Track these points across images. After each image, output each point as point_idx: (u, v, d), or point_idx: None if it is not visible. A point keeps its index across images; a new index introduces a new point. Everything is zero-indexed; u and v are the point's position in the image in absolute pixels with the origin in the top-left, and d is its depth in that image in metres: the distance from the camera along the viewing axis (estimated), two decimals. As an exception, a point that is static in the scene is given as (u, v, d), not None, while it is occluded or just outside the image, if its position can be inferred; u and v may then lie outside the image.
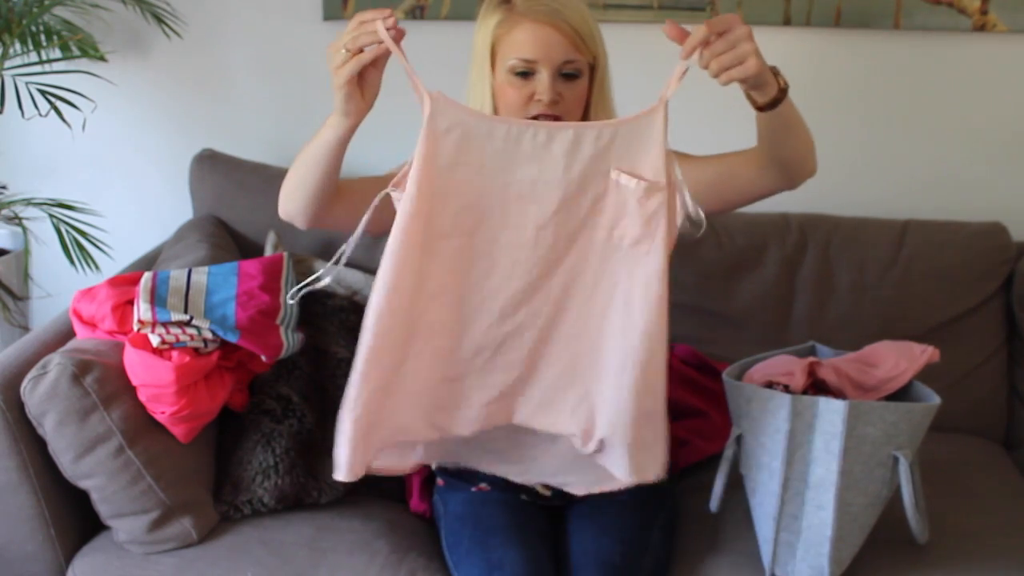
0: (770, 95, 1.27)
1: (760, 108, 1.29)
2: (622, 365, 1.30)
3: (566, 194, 1.27)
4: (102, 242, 2.17)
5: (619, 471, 1.37)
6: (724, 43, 1.18)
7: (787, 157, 1.37)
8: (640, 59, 2.12)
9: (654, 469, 1.37)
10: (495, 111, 1.46)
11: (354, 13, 2.20)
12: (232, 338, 1.59)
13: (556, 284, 1.32)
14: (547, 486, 1.59)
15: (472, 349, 1.34)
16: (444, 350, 1.34)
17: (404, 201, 1.25)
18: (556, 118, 1.43)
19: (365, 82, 1.26)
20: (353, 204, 1.45)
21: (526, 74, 1.41)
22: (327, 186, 1.39)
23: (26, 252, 2.29)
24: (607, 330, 1.32)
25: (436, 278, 1.30)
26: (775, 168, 1.39)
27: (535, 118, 1.42)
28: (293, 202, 1.42)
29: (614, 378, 1.32)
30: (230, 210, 2.15)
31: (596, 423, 1.36)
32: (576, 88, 1.44)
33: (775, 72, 1.28)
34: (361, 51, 1.22)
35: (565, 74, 1.42)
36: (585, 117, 1.48)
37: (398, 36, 1.21)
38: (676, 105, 2.03)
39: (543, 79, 1.41)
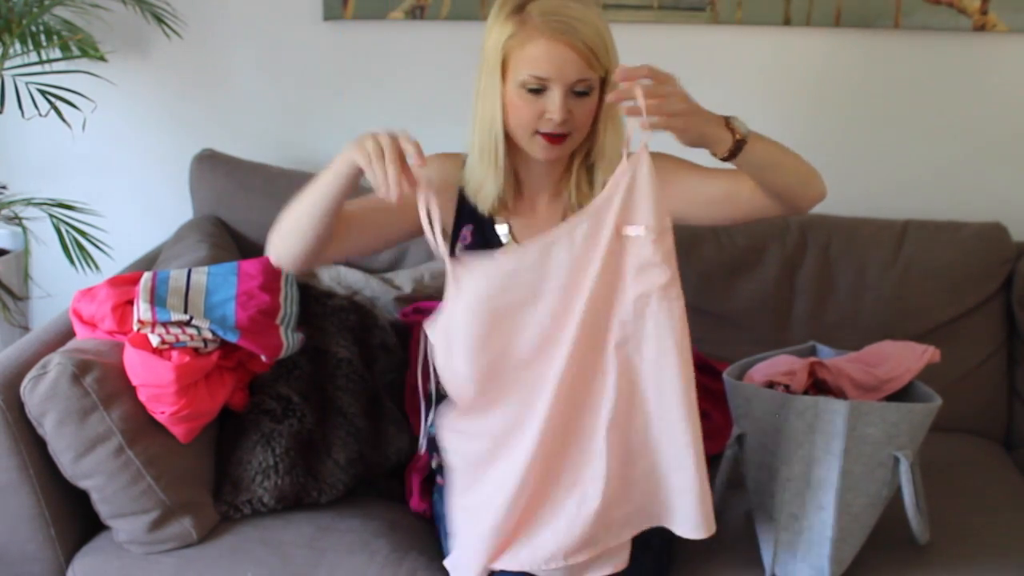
0: (725, 148, 1.30)
1: (722, 159, 1.32)
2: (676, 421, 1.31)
3: (602, 276, 1.28)
4: (102, 242, 2.17)
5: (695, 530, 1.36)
6: (661, 88, 1.23)
7: (777, 192, 1.38)
8: (640, 59, 2.12)
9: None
10: (505, 122, 1.45)
11: (354, 14, 2.22)
12: (232, 338, 1.59)
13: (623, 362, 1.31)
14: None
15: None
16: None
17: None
18: (564, 136, 1.43)
19: None
20: (345, 240, 1.46)
21: (537, 90, 1.41)
22: (325, 234, 1.40)
23: (26, 252, 2.29)
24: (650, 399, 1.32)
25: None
26: (772, 198, 1.40)
27: (544, 135, 1.42)
28: (287, 248, 1.42)
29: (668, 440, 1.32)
30: (230, 210, 2.15)
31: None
32: (586, 105, 1.43)
33: (730, 124, 1.30)
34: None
35: (576, 92, 1.41)
36: (594, 130, 1.48)
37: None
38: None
39: (555, 98, 1.39)
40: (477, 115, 1.48)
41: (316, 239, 1.40)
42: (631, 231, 1.27)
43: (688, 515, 1.35)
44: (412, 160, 1.27)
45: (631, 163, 1.26)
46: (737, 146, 1.30)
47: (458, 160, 1.57)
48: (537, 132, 1.43)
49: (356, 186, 1.33)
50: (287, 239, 1.41)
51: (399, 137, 1.28)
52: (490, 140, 1.46)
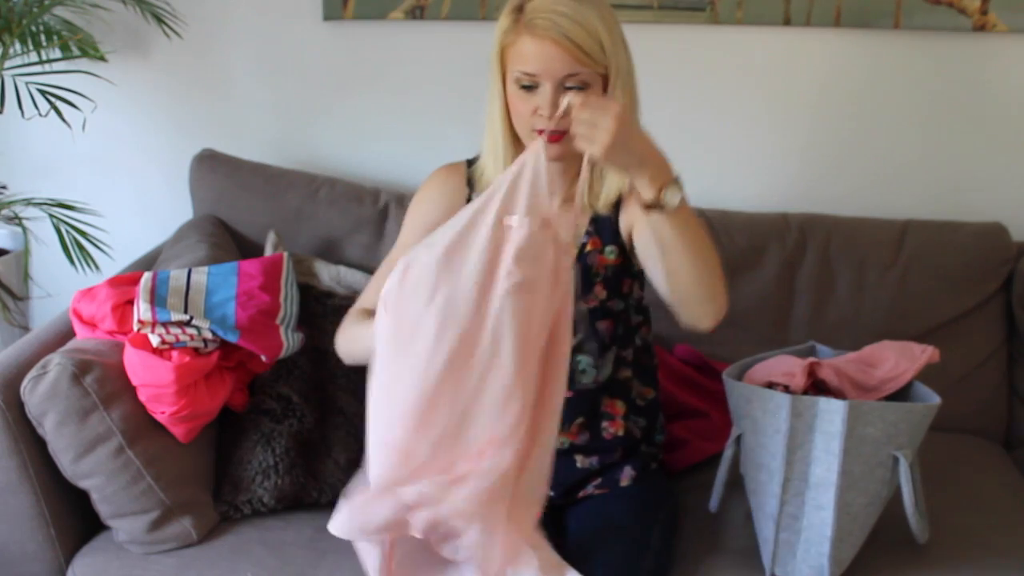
0: (644, 200, 1.27)
1: (641, 207, 1.30)
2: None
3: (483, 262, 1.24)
4: (102, 242, 2.17)
5: None
6: (588, 115, 1.23)
7: (674, 281, 1.35)
8: (639, 59, 2.12)
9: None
10: (508, 118, 1.46)
11: (354, 14, 2.22)
12: (232, 338, 1.59)
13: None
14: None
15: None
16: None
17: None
18: (561, 133, 1.42)
19: None
20: None
21: (530, 87, 1.41)
22: None
23: (26, 252, 2.28)
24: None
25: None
26: (670, 288, 1.37)
27: (541, 132, 1.42)
28: (352, 360, 1.48)
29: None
30: (230, 210, 2.15)
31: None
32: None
33: (679, 184, 1.28)
34: None
35: (570, 87, 1.40)
36: None
37: None
38: (675, 98, 2.03)
39: (545, 93, 1.39)
40: (487, 114, 1.49)
41: None
42: (510, 220, 1.23)
43: None
44: None
45: (527, 152, 1.26)
46: (655, 204, 1.27)
47: (459, 168, 1.59)
48: (535, 130, 1.43)
49: None
50: (354, 356, 1.46)
51: None
52: (494, 138, 1.49)
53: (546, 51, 1.38)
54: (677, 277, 1.34)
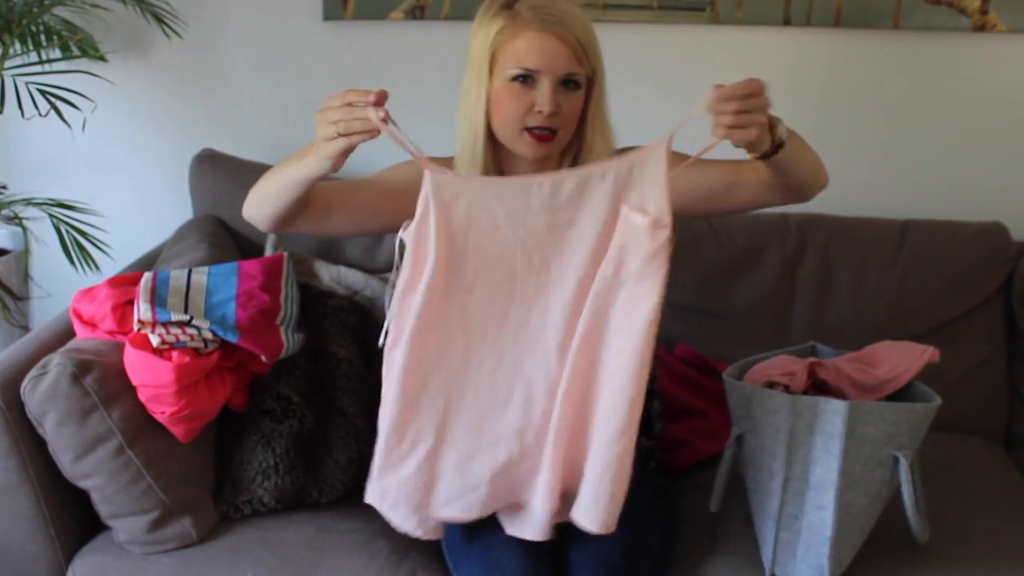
0: (762, 150, 1.30)
1: (756, 158, 1.33)
2: (609, 409, 1.32)
3: (582, 237, 1.30)
4: (102, 242, 2.17)
5: (586, 520, 1.37)
6: (741, 106, 1.23)
7: (793, 185, 1.39)
8: (640, 59, 2.12)
9: (612, 519, 1.36)
10: (488, 118, 1.45)
11: (354, 14, 2.22)
12: (232, 338, 1.59)
13: (579, 332, 1.32)
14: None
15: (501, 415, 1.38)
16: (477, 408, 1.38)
17: (425, 270, 1.30)
18: (552, 132, 1.43)
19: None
20: (321, 214, 1.47)
21: (526, 80, 1.41)
22: (295, 208, 1.43)
23: (26, 252, 2.29)
24: (603, 373, 1.34)
25: (465, 331, 1.35)
26: (782, 191, 1.41)
27: (531, 130, 1.42)
28: (258, 213, 1.47)
29: (602, 424, 1.34)
30: (230, 210, 2.15)
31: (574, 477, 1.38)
32: (574, 100, 1.44)
33: (773, 125, 1.29)
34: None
35: (565, 82, 1.41)
36: (580, 131, 1.48)
37: (386, 119, 1.23)
38: (674, 98, 2.01)
39: (544, 89, 1.40)
40: (462, 115, 1.48)
41: (290, 207, 1.43)
42: (632, 216, 1.27)
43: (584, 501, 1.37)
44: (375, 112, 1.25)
45: (641, 151, 1.27)
46: (774, 149, 1.31)
47: (448, 164, 1.56)
48: (525, 129, 1.43)
49: (338, 166, 1.32)
50: (259, 207, 1.46)
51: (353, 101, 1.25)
52: (471, 139, 1.47)
53: (549, 46, 1.39)
54: (805, 177, 1.39)
